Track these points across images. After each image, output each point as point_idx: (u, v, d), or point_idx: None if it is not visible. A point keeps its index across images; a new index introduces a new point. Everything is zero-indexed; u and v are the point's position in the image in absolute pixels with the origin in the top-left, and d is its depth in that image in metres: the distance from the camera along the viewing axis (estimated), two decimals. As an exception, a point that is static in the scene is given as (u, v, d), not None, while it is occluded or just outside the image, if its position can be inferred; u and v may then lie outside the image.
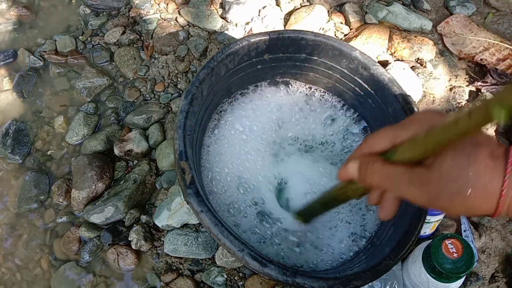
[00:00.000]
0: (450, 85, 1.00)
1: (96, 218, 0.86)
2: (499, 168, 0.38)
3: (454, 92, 0.98)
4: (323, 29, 1.07)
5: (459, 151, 0.39)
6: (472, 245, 0.69)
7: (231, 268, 0.82)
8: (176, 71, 1.04)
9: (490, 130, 0.94)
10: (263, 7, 1.09)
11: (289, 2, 1.10)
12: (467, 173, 0.38)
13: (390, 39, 1.03)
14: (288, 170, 0.77)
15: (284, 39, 0.76)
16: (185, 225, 0.85)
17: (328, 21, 1.08)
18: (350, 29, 1.07)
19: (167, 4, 1.13)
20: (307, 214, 0.69)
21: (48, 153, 0.98)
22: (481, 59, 1.01)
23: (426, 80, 0.97)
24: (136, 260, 0.84)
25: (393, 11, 1.07)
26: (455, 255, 0.64)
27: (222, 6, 1.10)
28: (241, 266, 0.82)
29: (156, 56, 1.06)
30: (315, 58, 0.79)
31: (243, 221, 0.73)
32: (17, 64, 1.10)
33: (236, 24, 1.08)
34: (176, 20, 1.10)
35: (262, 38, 0.74)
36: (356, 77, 0.78)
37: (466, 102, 0.97)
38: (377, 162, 0.44)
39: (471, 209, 0.40)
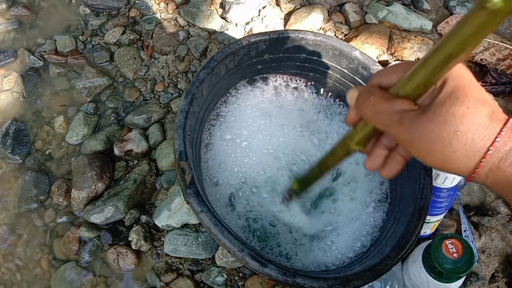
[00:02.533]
0: (450, 85, 1.00)
1: (96, 218, 0.86)
2: (494, 128, 0.36)
3: (454, 92, 0.98)
4: (323, 29, 1.07)
5: (460, 101, 0.37)
6: (472, 245, 0.69)
7: (231, 268, 0.82)
8: (176, 71, 1.04)
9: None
10: (263, 7, 1.09)
11: (289, 2, 1.10)
12: (460, 122, 0.36)
13: (390, 39, 1.03)
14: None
15: (284, 39, 0.75)
16: (185, 225, 0.85)
17: (328, 21, 1.08)
18: (350, 29, 1.07)
19: (167, 4, 1.13)
20: (304, 181, 0.65)
21: (48, 152, 0.98)
22: (481, 59, 1.01)
23: (426, 80, 0.97)
24: (136, 260, 0.84)
25: (393, 11, 1.07)
26: (455, 255, 0.64)
27: (222, 6, 1.10)
28: (241, 266, 0.82)
29: (156, 56, 1.06)
30: (315, 58, 0.79)
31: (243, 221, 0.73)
32: (17, 64, 1.10)
33: (236, 24, 1.08)
34: (176, 20, 1.10)
35: (262, 38, 0.74)
36: (356, 77, 0.78)
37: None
38: (375, 95, 0.41)
39: (448, 161, 0.38)
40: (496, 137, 0.36)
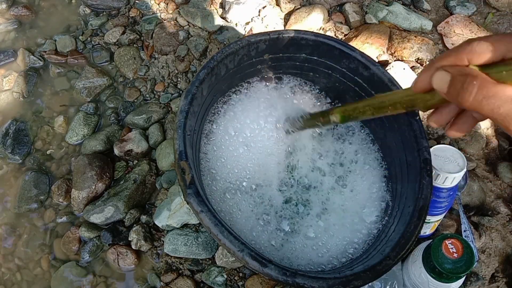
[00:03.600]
0: (450, 85, 1.00)
1: (96, 218, 0.86)
2: None
3: (454, 92, 0.98)
4: (323, 29, 1.07)
5: None
6: (472, 245, 0.69)
7: (231, 268, 0.82)
8: (176, 71, 1.04)
9: (490, 130, 0.94)
10: (263, 7, 1.09)
11: (289, 2, 1.10)
12: None
13: (390, 39, 1.03)
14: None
15: (284, 39, 0.75)
16: (185, 225, 0.85)
17: (328, 21, 1.08)
18: (350, 29, 1.07)
19: (167, 4, 1.13)
20: (349, 113, 0.60)
21: (48, 152, 0.98)
22: (481, 59, 1.01)
23: (426, 80, 0.97)
24: (136, 260, 0.84)
25: (393, 11, 1.07)
26: (455, 255, 0.64)
27: (222, 6, 1.10)
28: (241, 266, 0.82)
29: (156, 56, 1.06)
30: (315, 58, 0.79)
31: (243, 221, 0.73)
32: (17, 64, 1.10)
33: (236, 24, 1.08)
34: (176, 20, 1.10)
35: (262, 38, 0.74)
36: (356, 77, 0.78)
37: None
38: (478, 79, 0.35)
39: None
40: None
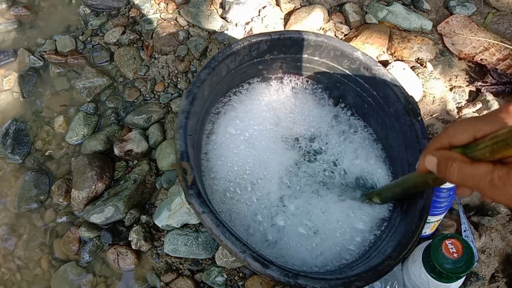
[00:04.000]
0: (450, 85, 1.00)
1: (96, 218, 0.86)
2: None
3: (454, 92, 0.98)
4: (323, 29, 1.07)
5: None
6: (472, 245, 0.69)
7: (231, 268, 0.82)
8: (176, 71, 1.04)
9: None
10: (263, 7, 1.09)
11: (289, 2, 1.10)
12: None
13: (390, 39, 1.03)
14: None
15: (286, 39, 0.75)
16: (185, 225, 0.85)
17: (328, 21, 1.08)
18: (350, 29, 1.07)
19: (167, 4, 1.13)
20: (385, 195, 0.70)
21: (48, 153, 0.98)
22: (481, 59, 1.01)
23: (426, 80, 0.97)
24: (136, 260, 0.84)
25: (393, 11, 1.08)
26: (455, 255, 0.65)
27: (222, 6, 1.10)
28: (241, 266, 0.82)
29: (156, 56, 1.06)
30: (316, 58, 0.79)
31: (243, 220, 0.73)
32: (17, 64, 1.09)
33: (236, 24, 1.08)
34: (176, 20, 1.10)
35: (264, 38, 0.74)
36: (357, 78, 0.78)
37: (466, 102, 0.97)
38: (456, 162, 0.42)
39: None
40: None
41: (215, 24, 1.07)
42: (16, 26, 1.14)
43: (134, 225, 0.86)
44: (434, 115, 0.95)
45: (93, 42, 1.11)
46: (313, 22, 1.04)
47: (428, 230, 0.80)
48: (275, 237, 0.71)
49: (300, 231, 0.72)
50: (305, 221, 0.73)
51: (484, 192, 0.40)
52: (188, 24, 1.09)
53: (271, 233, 0.71)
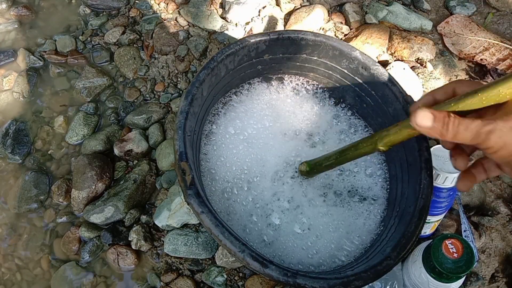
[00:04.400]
0: (450, 85, 1.00)
1: (96, 218, 0.86)
2: None
3: (454, 92, 0.98)
4: (323, 29, 1.07)
5: None
6: (472, 245, 0.69)
7: (231, 268, 0.82)
8: (176, 71, 1.04)
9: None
10: (263, 7, 1.09)
11: (289, 2, 1.10)
12: None
13: (390, 39, 1.03)
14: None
15: (284, 39, 0.75)
16: (185, 225, 0.85)
17: (328, 21, 1.08)
18: (350, 29, 1.07)
19: (167, 4, 1.13)
20: (316, 166, 0.69)
21: (48, 153, 0.98)
22: (481, 59, 1.01)
23: (426, 80, 0.97)
24: (136, 260, 0.84)
25: (393, 11, 1.08)
26: (455, 255, 0.64)
27: (222, 6, 1.10)
28: (241, 266, 0.82)
29: (156, 56, 1.06)
30: (315, 58, 0.79)
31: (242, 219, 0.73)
32: (17, 64, 1.10)
33: (236, 24, 1.08)
34: (176, 20, 1.10)
35: (262, 38, 0.74)
36: (356, 77, 0.78)
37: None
38: (453, 117, 0.45)
39: None
40: None
41: (215, 24, 1.07)
42: (16, 26, 1.15)
43: (134, 225, 0.86)
44: (434, 115, 0.95)
45: (93, 42, 1.11)
46: (313, 22, 1.04)
47: (428, 230, 0.80)
48: (271, 237, 0.71)
49: (296, 230, 0.72)
50: (300, 216, 0.73)
51: (481, 143, 0.44)
52: (188, 24, 1.09)
53: (267, 234, 0.71)
